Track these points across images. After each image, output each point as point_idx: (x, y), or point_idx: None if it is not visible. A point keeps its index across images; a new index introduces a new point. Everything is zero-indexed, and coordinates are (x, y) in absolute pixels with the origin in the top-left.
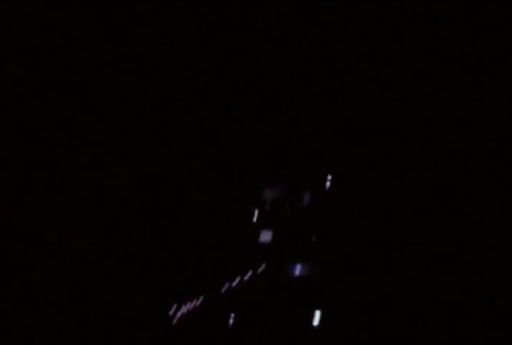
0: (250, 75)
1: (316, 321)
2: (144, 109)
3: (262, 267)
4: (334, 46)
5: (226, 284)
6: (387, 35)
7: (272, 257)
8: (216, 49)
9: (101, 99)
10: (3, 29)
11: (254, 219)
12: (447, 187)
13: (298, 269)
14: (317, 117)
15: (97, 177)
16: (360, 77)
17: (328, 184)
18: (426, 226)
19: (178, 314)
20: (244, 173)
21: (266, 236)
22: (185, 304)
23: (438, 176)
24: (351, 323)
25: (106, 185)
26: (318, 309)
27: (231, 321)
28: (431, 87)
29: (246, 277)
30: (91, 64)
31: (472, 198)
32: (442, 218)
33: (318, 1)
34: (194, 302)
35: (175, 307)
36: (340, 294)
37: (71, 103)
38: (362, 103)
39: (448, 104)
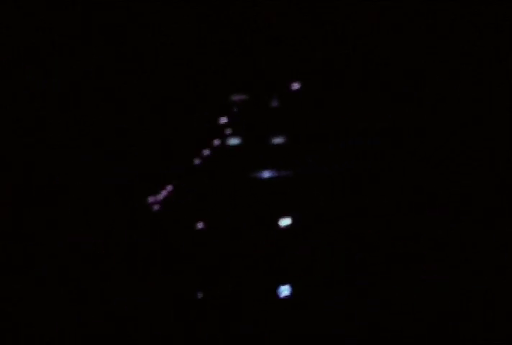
0: (250, 75)
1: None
2: (144, 109)
3: None
4: (334, 46)
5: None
6: (387, 35)
7: None
8: (216, 49)
9: (101, 99)
10: (3, 29)
11: None
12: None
13: None
14: (317, 117)
15: (97, 177)
16: (360, 77)
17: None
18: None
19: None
20: (244, 173)
21: None
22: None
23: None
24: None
25: (106, 185)
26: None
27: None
28: (431, 86)
29: None
30: (91, 64)
31: (472, 197)
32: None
33: (318, 1)
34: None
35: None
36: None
37: (71, 103)
38: (362, 102)
39: (448, 104)
